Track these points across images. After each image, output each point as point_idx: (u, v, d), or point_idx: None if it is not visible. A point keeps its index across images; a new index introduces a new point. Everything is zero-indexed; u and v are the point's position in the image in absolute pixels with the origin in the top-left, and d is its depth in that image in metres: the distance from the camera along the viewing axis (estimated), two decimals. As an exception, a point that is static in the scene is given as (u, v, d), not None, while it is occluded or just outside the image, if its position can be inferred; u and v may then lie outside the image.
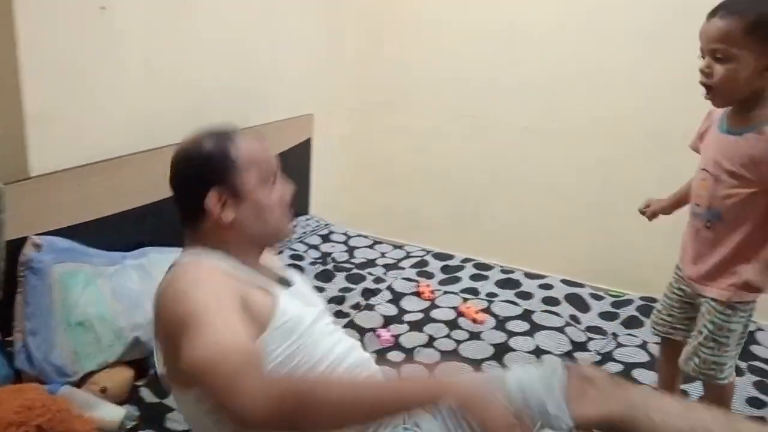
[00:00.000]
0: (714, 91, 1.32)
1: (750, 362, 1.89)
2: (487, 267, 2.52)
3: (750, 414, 1.65)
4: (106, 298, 1.69)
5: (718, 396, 1.48)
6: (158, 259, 1.87)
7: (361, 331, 1.97)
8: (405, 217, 3.29)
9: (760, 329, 2.07)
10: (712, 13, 1.29)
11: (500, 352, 1.89)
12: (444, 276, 2.44)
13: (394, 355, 1.85)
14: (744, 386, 1.76)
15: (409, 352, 1.86)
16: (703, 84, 1.33)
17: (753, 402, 1.71)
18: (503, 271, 2.48)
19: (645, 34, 2.54)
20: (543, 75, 2.79)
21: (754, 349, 1.97)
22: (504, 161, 2.99)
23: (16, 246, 1.61)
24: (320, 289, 2.24)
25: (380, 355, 1.84)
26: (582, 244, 2.87)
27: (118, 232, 1.92)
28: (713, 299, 1.41)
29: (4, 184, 1.57)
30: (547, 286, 2.34)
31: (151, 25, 2.02)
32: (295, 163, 2.84)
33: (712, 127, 1.44)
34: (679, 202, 1.66)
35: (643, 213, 1.73)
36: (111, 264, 1.77)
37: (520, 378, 1.02)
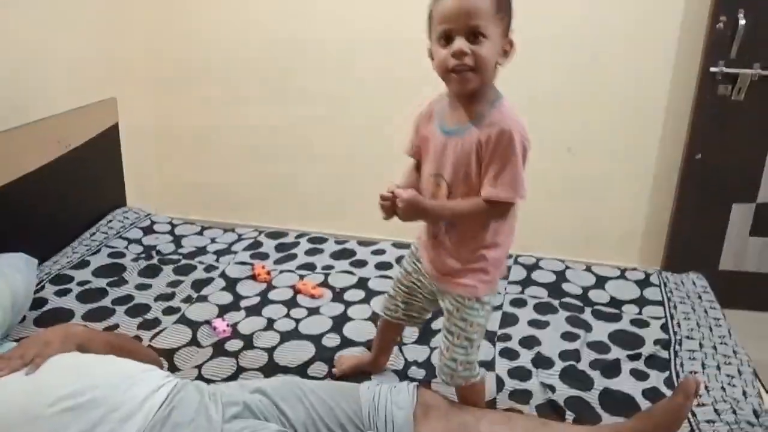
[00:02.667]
0: (475, 73, 1.19)
1: (562, 299, 2.10)
2: (322, 240, 2.52)
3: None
4: None
5: (476, 393, 1.45)
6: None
7: (195, 325, 1.88)
8: (231, 197, 3.20)
9: (568, 268, 2.30)
10: None
11: (339, 323, 1.91)
12: (279, 255, 2.41)
13: (233, 344, 1.79)
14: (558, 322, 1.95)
15: (247, 339, 1.82)
16: (460, 67, 1.18)
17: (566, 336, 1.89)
18: (337, 242, 2.50)
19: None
20: (342, 35, 2.83)
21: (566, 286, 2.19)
22: (312, 129, 3.01)
23: None
24: (146, 287, 2.11)
25: (218, 347, 1.78)
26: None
27: None
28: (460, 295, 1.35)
29: None
30: (380, 252, 2.41)
31: None
32: (104, 151, 2.61)
33: (433, 129, 1.33)
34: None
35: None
36: None
37: (374, 391, 1.31)
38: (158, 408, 1.18)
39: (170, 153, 3.19)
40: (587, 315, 2.01)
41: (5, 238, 2.00)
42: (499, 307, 2.01)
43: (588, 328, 1.93)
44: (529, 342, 1.84)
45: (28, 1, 2.27)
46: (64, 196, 2.36)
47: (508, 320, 1.95)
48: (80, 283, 2.08)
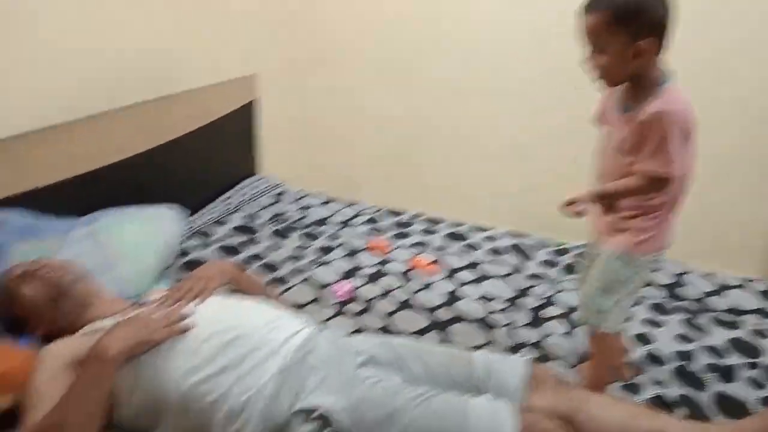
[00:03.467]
0: (601, 78, 1.42)
1: (679, 302, 2.07)
2: (437, 222, 2.62)
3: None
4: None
5: (606, 347, 1.58)
6: (107, 225, 1.90)
7: (318, 286, 2.04)
8: (354, 175, 3.36)
9: (688, 272, 2.25)
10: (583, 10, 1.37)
11: (451, 300, 2.00)
12: (395, 231, 2.52)
13: (352, 307, 1.93)
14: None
15: (367, 304, 1.95)
16: (591, 72, 1.42)
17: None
18: (452, 225, 2.59)
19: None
20: (466, 30, 2.90)
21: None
22: (442, 118, 3.09)
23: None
24: (275, 248, 2.29)
25: (339, 308, 1.92)
26: (523, 195, 3.03)
27: (73, 196, 1.92)
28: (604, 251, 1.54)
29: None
30: (492, 238, 2.47)
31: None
32: (243, 123, 2.84)
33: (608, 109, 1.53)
34: None
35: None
36: (64, 234, 1.77)
37: (488, 355, 1.42)
38: (295, 350, 1.32)
39: (301, 130, 3.39)
40: (704, 320, 1.97)
41: (156, 192, 2.24)
42: (611, 302, 2.02)
43: (705, 332, 1.90)
44: (642, 338, 1.84)
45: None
46: (206, 161, 2.60)
47: (621, 315, 1.95)
48: (218, 239, 2.30)
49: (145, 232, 1.93)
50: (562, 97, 2.81)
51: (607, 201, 1.49)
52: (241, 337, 1.30)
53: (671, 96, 1.35)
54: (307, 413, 1.18)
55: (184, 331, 1.29)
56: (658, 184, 1.39)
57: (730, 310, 2.02)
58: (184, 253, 2.15)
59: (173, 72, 2.45)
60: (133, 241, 1.88)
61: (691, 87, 1.42)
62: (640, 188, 1.41)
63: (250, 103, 2.86)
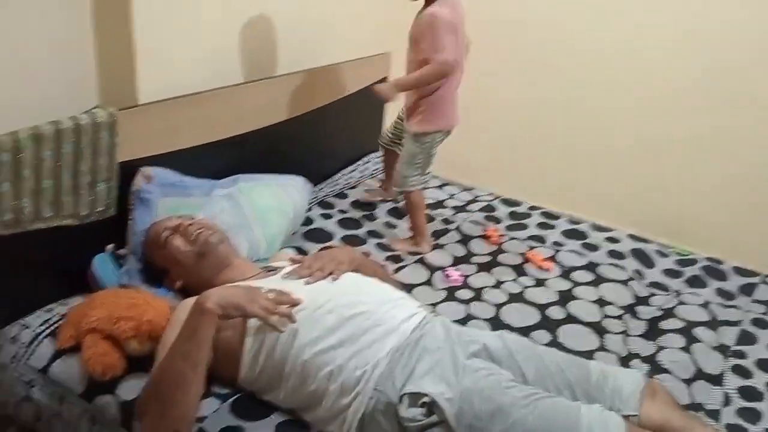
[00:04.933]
0: None
1: None
2: (554, 216, 2.57)
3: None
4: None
5: (412, 202, 2.19)
6: (246, 188, 2.02)
7: (432, 269, 2.08)
8: (472, 163, 3.34)
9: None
10: None
11: (564, 299, 1.97)
12: (511, 222, 2.51)
13: (463, 294, 1.96)
14: None
15: (477, 292, 1.97)
16: None
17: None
18: (570, 221, 2.53)
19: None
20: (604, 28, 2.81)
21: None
22: (569, 109, 3.01)
23: (126, 168, 1.76)
24: (392, 226, 2.36)
25: (450, 292, 1.95)
26: (650, 198, 2.90)
27: (213, 159, 2.06)
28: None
29: (118, 110, 1.70)
30: (613, 240, 2.39)
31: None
32: (372, 101, 2.90)
33: None
34: None
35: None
36: (207, 193, 1.92)
37: (603, 366, 1.43)
38: (411, 331, 1.36)
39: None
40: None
41: (287, 159, 2.36)
42: (737, 324, 1.92)
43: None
44: (765, 365, 1.74)
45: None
46: (334, 134, 2.70)
47: (747, 339, 1.85)
48: (341, 211, 2.40)
49: (277, 199, 2.05)
50: (700, 102, 2.66)
51: (405, 88, 2.08)
52: (363, 313, 1.36)
53: (442, 3, 1.97)
54: (416, 397, 1.23)
55: (286, 317, 1.28)
56: (440, 69, 1.95)
57: None
58: (307, 222, 2.26)
59: (315, 47, 2.55)
60: (267, 205, 2.00)
61: None
62: (428, 75, 1.97)
63: (382, 80, 2.91)
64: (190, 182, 1.92)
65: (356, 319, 1.35)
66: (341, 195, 2.54)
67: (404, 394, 1.24)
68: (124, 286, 1.62)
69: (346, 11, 2.72)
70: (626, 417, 1.27)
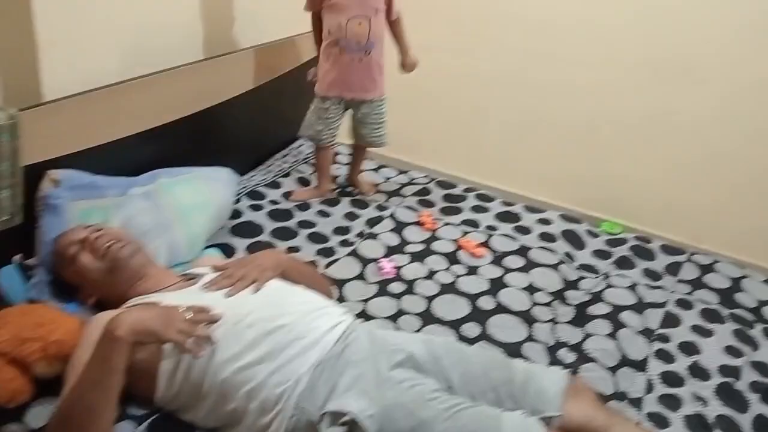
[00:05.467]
0: None
1: (732, 310, 1.99)
2: (489, 198, 2.57)
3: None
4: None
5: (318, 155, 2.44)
6: (166, 184, 1.93)
7: (364, 261, 2.05)
8: (410, 136, 3.30)
9: (746, 276, 2.16)
10: None
11: (496, 287, 1.97)
12: (446, 205, 2.50)
13: (396, 287, 1.94)
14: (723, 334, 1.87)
15: (409, 285, 1.95)
16: None
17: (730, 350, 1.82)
18: (504, 203, 2.54)
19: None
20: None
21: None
22: (502, 83, 2.99)
23: (32, 173, 1.65)
24: (326, 214, 2.31)
25: (382, 286, 1.93)
26: (580, 172, 2.94)
27: (130, 155, 1.96)
28: (378, 98, 2.36)
29: (18, 110, 1.58)
30: (546, 221, 2.41)
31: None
32: (299, 84, 2.81)
33: None
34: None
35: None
36: (122, 193, 1.82)
37: (527, 365, 1.47)
38: (334, 343, 1.33)
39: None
40: (757, 332, 1.90)
41: (212, 150, 2.27)
42: (662, 305, 1.97)
43: (755, 346, 1.83)
44: (688, 348, 1.79)
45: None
46: (264, 119, 2.61)
47: (671, 321, 1.90)
48: (271, 202, 2.33)
49: (200, 195, 1.97)
50: (643, 80, 2.67)
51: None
52: (285, 326, 1.32)
53: None
54: (336, 416, 1.21)
55: (204, 340, 1.23)
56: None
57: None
58: (236, 215, 2.19)
59: (238, 29, 2.44)
60: (189, 203, 1.91)
61: None
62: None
63: (313, 60, 2.81)
64: (103, 182, 1.82)
65: (278, 333, 1.31)
66: (273, 184, 2.46)
67: (325, 412, 1.21)
68: (32, 301, 1.53)
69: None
70: (550, 418, 1.29)
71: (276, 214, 2.25)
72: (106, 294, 1.48)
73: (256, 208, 2.27)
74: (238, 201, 2.26)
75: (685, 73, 2.59)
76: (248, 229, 2.13)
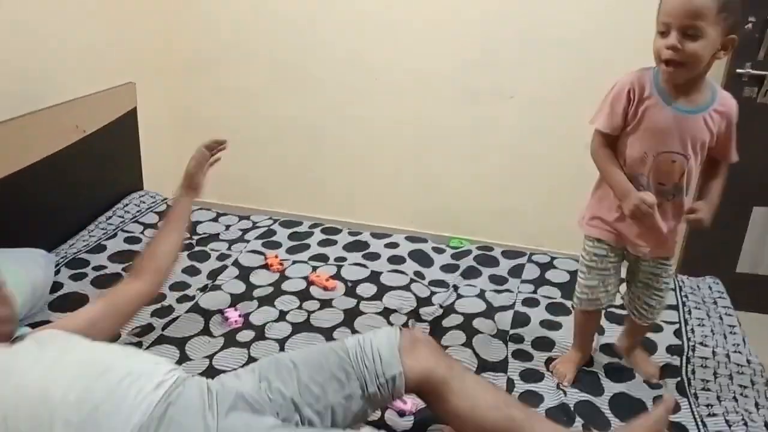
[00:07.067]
0: (682, 68, 1.33)
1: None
2: (336, 231, 2.53)
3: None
4: None
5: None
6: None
7: (207, 314, 1.90)
8: (247, 184, 3.21)
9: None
10: None
11: (350, 317, 1.91)
12: (292, 243, 2.41)
13: (244, 335, 1.80)
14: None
15: (259, 330, 1.83)
16: (670, 60, 1.32)
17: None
18: (350, 233, 2.50)
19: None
20: (356, 30, 2.84)
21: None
22: (325, 119, 3.02)
23: None
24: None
25: (228, 338, 1.79)
26: (424, 194, 3.01)
27: None
28: (665, 258, 1.61)
29: None
30: (393, 245, 2.41)
31: None
32: (122, 135, 2.62)
33: (655, 107, 1.42)
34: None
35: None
36: None
37: (358, 337, 1.36)
38: (155, 404, 1.17)
39: (187, 138, 3.18)
40: (602, 318, 1.99)
41: (24, 220, 2.02)
42: (510, 307, 2.01)
43: (600, 331, 1.92)
44: (541, 344, 1.83)
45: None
46: (81, 180, 2.38)
47: (521, 320, 1.95)
48: (96, 268, 2.10)
49: (11, 281, 1.71)
50: (460, 94, 2.80)
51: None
52: (96, 408, 1.12)
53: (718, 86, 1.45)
54: None
55: None
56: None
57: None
58: (55, 288, 1.94)
59: (44, 84, 2.22)
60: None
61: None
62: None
63: (131, 111, 2.64)
64: None
65: (87, 422, 1.11)
66: (98, 248, 2.23)
67: None
68: None
69: (79, 44, 2.42)
70: (394, 377, 1.28)
71: (102, 281, 2.03)
72: None
73: (79, 277, 2.03)
74: (58, 272, 2.02)
75: (490, 88, 2.77)
76: (71, 302, 1.89)
